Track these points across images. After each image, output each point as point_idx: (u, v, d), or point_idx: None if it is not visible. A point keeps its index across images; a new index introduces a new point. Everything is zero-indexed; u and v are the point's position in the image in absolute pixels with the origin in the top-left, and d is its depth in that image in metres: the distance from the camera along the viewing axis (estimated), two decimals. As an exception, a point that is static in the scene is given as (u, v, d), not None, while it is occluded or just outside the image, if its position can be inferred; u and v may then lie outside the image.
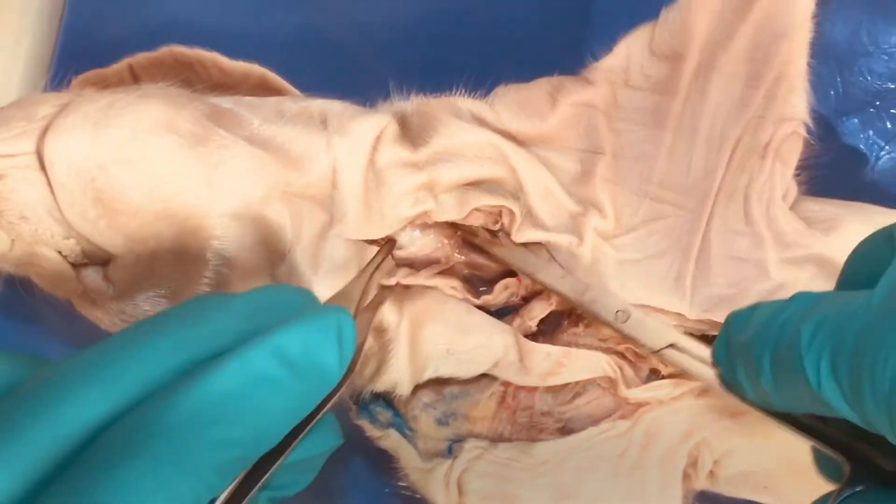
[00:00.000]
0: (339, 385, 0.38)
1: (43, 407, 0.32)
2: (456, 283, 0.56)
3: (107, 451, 0.32)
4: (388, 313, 0.55)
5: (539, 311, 0.57)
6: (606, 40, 0.57)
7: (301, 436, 0.38)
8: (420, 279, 0.56)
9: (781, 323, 0.38)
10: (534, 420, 0.59)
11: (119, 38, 0.72)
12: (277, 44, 0.72)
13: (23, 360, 0.35)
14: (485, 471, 0.59)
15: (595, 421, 0.59)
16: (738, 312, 0.42)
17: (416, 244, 0.56)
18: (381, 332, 0.55)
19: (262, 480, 0.36)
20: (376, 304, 0.54)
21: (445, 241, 0.56)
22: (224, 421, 0.33)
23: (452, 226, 0.57)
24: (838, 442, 0.43)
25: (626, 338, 0.53)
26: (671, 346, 0.51)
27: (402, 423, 0.59)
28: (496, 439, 0.60)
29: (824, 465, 0.45)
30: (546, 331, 0.59)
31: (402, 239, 0.56)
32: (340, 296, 0.49)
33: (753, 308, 0.41)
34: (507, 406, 0.59)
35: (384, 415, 0.59)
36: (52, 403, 0.32)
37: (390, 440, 0.60)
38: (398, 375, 0.56)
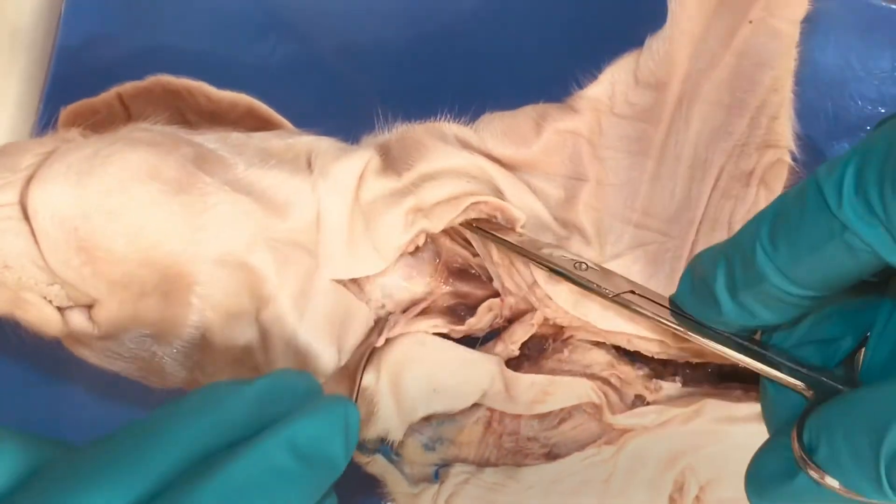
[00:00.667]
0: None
1: (67, 500, 0.33)
2: (437, 320, 0.57)
3: None
4: (365, 376, 0.55)
5: (521, 334, 0.57)
6: (591, 69, 0.57)
7: None
8: (400, 328, 0.56)
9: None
10: (519, 445, 0.60)
11: (110, 63, 0.73)
12: (267, 69, 0.72)
13: (44, 444, 0.36)
14: (471, 495, 0.59)
15: (581, 446, 0.59)
16: (704, 249, 0.47)
17: (402, 292, 0.56)
18: (362, 390, 0.55)
19: None
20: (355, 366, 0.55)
21: (429, 278, 0.57)
22: None
23: (436, 254, 0.57)
24: (797, 371, 0.46)
25: (586, 288, 0.53)
26: (631, 291, 0.52)
27: (388, 449, 0.60)
28: (482, 464, 0.60)
29: (776, 398, 0.47)
30: (531, 356, 0.60)
31: (388, 289, 0.56)
32: (342, 373, 0.51)
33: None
34: (493, 431, 0.60)
35: (371, 441, 0.59)
36: (75, 495, 0.33)
37: (377, 465, 0.60)
38: (388, 424, 0.57)
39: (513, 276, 0.56)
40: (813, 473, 0.41)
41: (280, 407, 0.38)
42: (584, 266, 0.53)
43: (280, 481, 0.36)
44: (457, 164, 0.56)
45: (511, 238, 0.55)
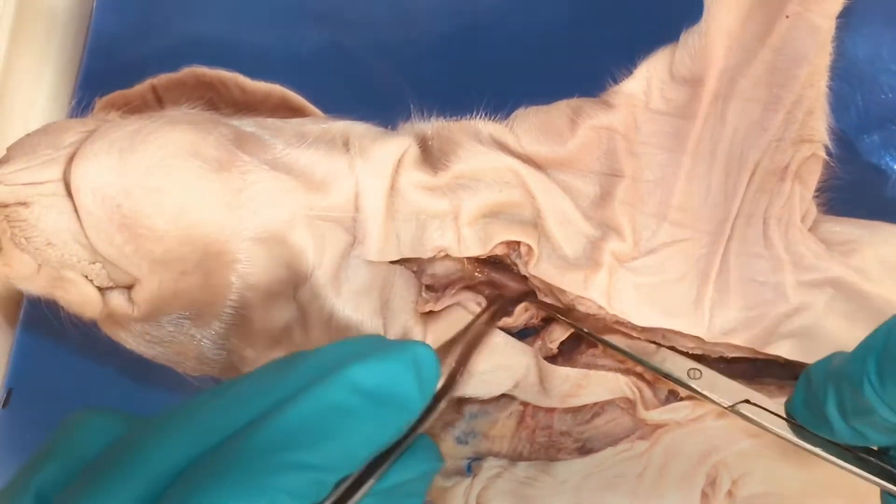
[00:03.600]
0: (429, 412, 0.40)
1: (145, 446, 0.35)
2: (480, 298, 0.57)
3: (192, 477, 0.34)
4: (414, 332, 0.55)
5: (560, 333, 0.58)
6: (626, 63, 0.57)
7: (390, 460, 0.39)
8: (446, 300, 0.56)
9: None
10: (553, 439, 0.59)
11: (143, 56, 0.73)
12: (299, 62, 0.73)
13: (127, 417, 0.39)
14: (504, 489, 0.59)
15: (614, 441, 0.59)
16: (816, 362, 0.46)
17: (436, 266, 0.56)
18: None
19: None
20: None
21: (466, 264, 0.57)
22: (296, 447, 0.35)
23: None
24: None
25: (699, 395, 0.54)
26: (745, 401, 0.52)
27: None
28: (515, 458, 0.60)
29: None
30: (564, 352, 0.60)
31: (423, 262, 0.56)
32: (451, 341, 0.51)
33: (831, 355, 0.45)
34: (526, 425, 0.59)
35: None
36: (151, 444, 0.35)
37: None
38: None
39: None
40: None
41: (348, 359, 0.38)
42: (697, 374, 0.53)
43: (340, 418, 0.36)
44: (491, 166, 0.56)
45: (621, 343, 0.56)
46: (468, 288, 0.57)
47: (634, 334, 0.57)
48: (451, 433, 0.60)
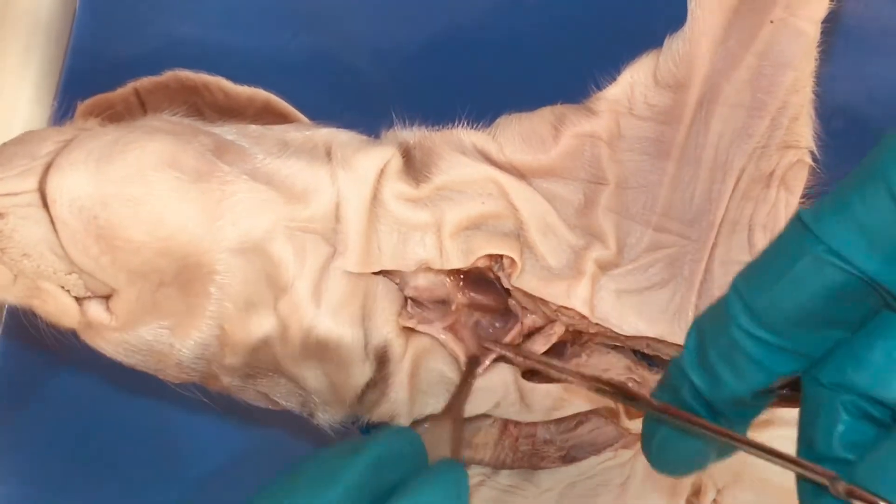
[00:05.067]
0: None
1: None
2: (461, 346, 0.56)
3: None
4: (395, 346, 0.55)
5: (541, 344, 0.57)
6: (609, 69, 0.57)
7: None
8: (430, 330, 0.56)
9: None
10: (536, 448, 0.59)
11: (125, 59, 0.73)
12: (284, 65, 0.72)
13: None
14: (487, 497, 0.59)
15: (597, 450, 0.59)
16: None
17: (419, 279, 0.56)
18: (383, 363, 0.55)
19: None
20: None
21: (447, 278, 0.56)
22: None
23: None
24: None
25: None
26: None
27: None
28: (498, 466, 0.60)
29: None
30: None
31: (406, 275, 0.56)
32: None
33: None
34: (509, 434, 0.59)
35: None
36: None
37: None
38: (395, 408, 0.56)
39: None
40: None
41: (392, 475, 0.39)
42: None
43: None
44: (472, 177, 0.55)
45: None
46: (452, 328, 0.57)
47: (616, 342, 0.57)
48: (434, 439, 0.59)
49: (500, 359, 0.56)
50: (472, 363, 0.56)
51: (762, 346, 0.39)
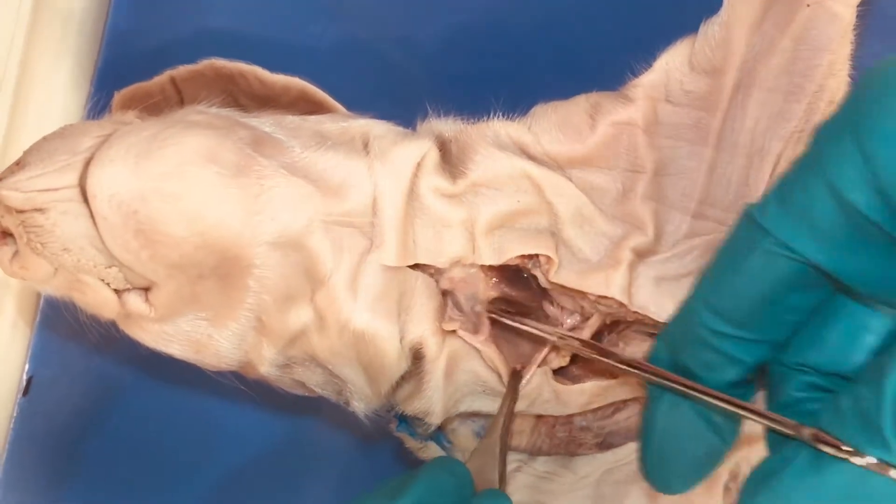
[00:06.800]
0: None
1: None
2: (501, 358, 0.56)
3: None
4: (431, 344, 0.55)
5: (557, 363, 0.57)
6: (645, 56, 0.56)
7: None
8: (475, 342, 0.56)
9: None
10: (573, 434, 0.59)
11: (161, 45, 0.73)
12: (318, 52, 0.73)
13: None
14: (524, 483, 0.59)
15: (635, 436, 0.59)
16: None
17: (455, 270, 0.56)
18: (419, 358, 0.55)
19: None
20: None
21: (482, 273, 0.56)
22: None
23: None
24: None
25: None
26: None
27: (440, 436, 0.60)
28: (535, 453, 0.60)
29: None
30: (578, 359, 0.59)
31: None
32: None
33: None
34: (545, 421, 0.59)
35: (422, 426, 0.59)
36: None
37: (430, 451, 0.60)
38: (430, 406, 0.57)
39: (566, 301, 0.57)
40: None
41: None
42: None
43: None
44: (507, 173, 0.55)
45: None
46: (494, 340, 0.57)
47: (654, 330, 0.57)
48: (470, 427, 0.60)
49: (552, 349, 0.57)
50: (515, 378, 0.56)
51: (728, 340, 0.42)
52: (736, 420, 0.45)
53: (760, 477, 0.42)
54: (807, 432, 0.40)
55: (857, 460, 0.38)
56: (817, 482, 0.39)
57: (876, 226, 0.38)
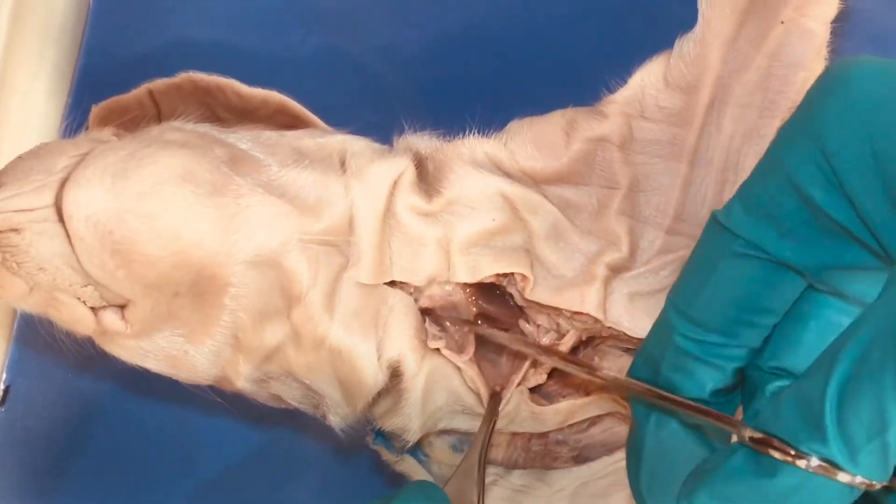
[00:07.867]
0: None
1: None
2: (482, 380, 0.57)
3: None
4: (409, 361, 0.55)
5: (534, 381, 0.58)
6: (620, 72, 0.57)
7: None
8: (457, 361, 0.56)
9: None
10: (548, 448, 0.60)
11: (139, 58, 0.73)
12: (296, 64, 0.73)
13: None
14: (499, 496, 0.60)
15: (610, 450, 0.59)
16: None
17: (433, 288, 0.56)
18: (397, 375, 0.55)
19: None
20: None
21: (460, 289, 0.56)
22: None
23: None
24: None
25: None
26: None
27: (417, 450, 0.60)
28: (511, 466, 0.60)
29: None
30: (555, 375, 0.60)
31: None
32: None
33: None
34: (521, 434, 0.60)
35: (399, 440, 0.59)
36: None
37: (405, 465, 0.60)
38: (408, 423, 0.57)
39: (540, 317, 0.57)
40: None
41: None
42: None
43: None
44: (481, 191, 0.55)
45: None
46: (475, 360, 0.57)
47: (629, 345, 0.57)
48: (446, 441, 0.60)
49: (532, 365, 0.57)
50: (495, 401, 0.56)
51: (707, 347, 0.42)
52: (726, 432, 0.45)
53: (698, 473, 0.42)
54: (747, 433, 0.40)
55: (800, 463, 0.37)
56: (755, 482, 0.39)
57: (833, 220, 0.38)
